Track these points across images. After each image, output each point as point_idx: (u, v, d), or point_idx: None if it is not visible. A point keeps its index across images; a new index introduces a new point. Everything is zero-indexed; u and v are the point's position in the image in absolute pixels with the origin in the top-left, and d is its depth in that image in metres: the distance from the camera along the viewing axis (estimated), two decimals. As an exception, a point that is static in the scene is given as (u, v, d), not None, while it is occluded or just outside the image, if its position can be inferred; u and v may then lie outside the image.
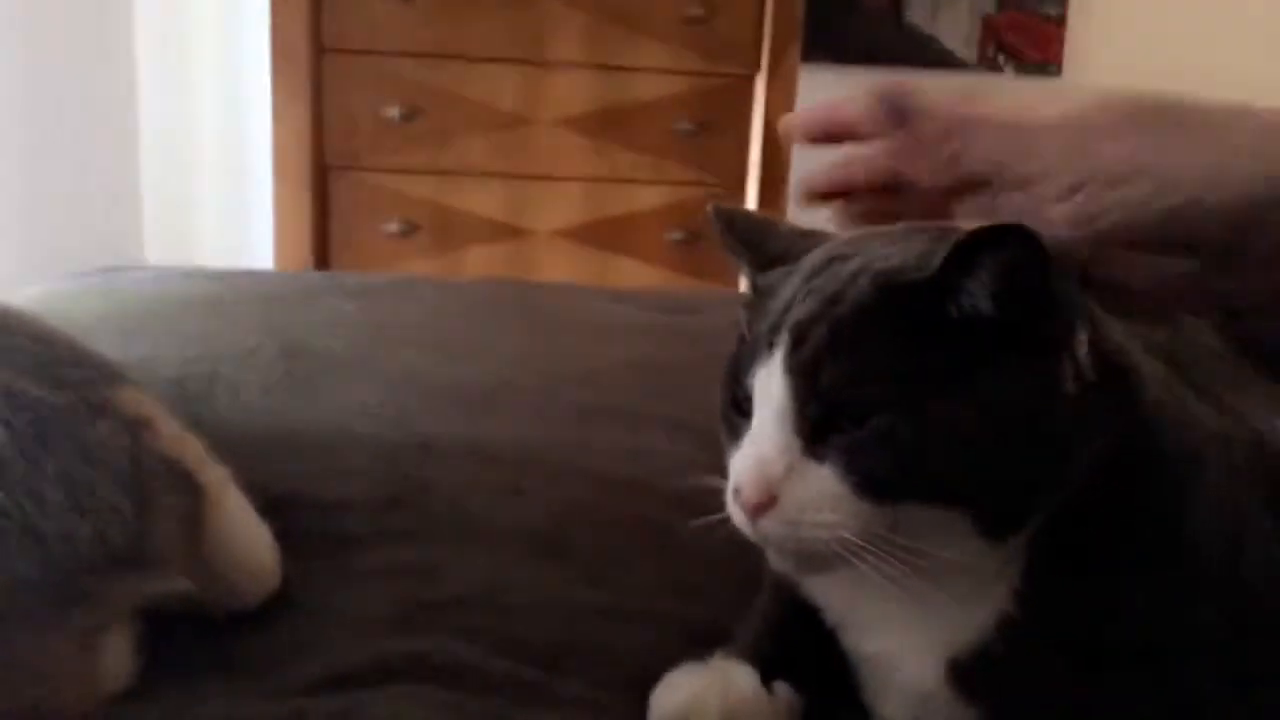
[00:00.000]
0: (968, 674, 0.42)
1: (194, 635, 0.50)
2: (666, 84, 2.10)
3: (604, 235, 2.13)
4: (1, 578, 0.41)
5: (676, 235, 2.13)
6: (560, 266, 2.12)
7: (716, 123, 2.12)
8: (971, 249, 0.39)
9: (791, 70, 2.10)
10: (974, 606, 0.42)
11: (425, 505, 0.66)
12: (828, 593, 0.48)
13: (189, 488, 0.51)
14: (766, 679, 0.47)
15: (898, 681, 0.45)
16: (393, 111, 2.00)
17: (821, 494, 0.40)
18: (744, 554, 0.56)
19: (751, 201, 2.12)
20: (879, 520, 0.39)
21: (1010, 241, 0.39)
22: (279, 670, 0.48)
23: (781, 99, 2.09)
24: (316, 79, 1.98)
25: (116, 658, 0.46)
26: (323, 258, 2.04)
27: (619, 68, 2.08)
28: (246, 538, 0.53)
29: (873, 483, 0.39)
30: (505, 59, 2.04)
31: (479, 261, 2.10)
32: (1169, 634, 0.41)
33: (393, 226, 2.05)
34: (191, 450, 0.53)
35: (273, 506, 0.58)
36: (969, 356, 0.39)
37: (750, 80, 2.12)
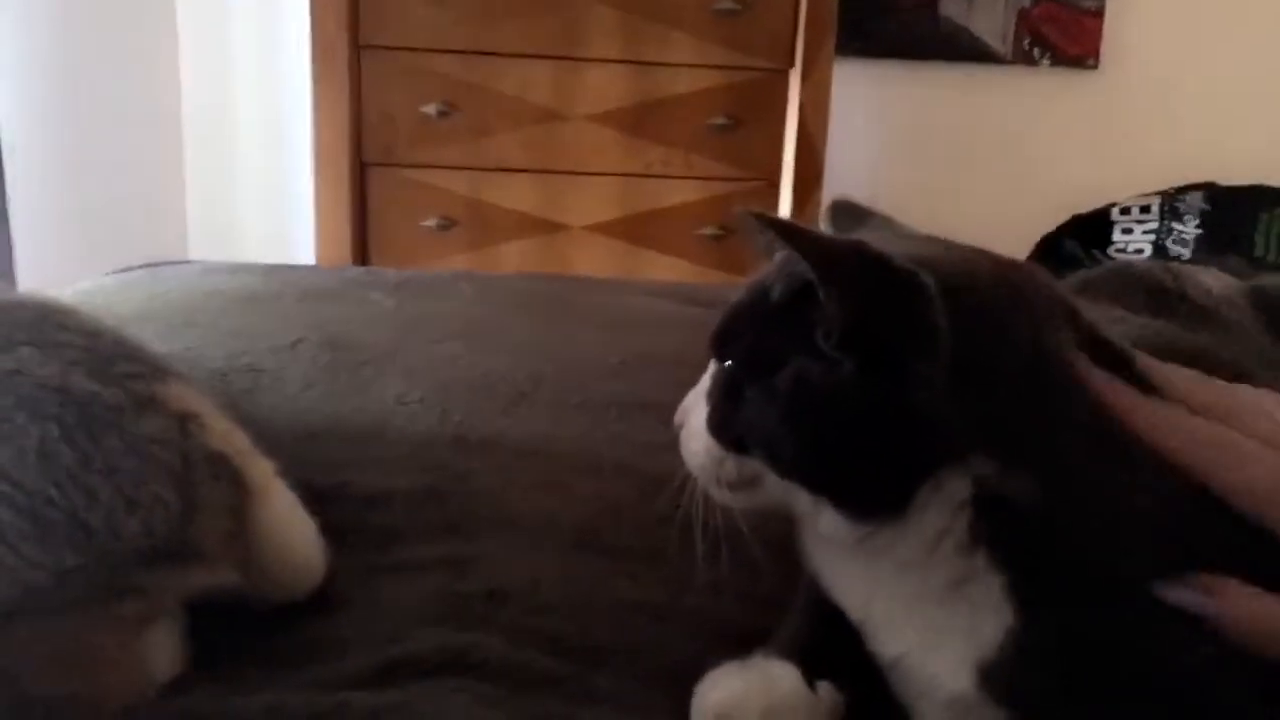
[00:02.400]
0: (995, 677, 0.42)
1: (239, 627, 0.51)
2: (700, 79, 2.10)
3: (637, 230, 2.14)
4: (50, 568, 0.42)
5: (708, 230, 2.13)
6: (594, 261, 2.13)
7: (750, 118, 2.11)
8: (824, 265, 0.42)
9: (826, 65, 2.09)
10: (986, 613, 0.42)
11: (463, 498, 0.66)
12: (844, 595, 0.48)
13: (236, 481, 0.51)
14: (809, 678, 0.47)
15: (926, 685, 0.45)
16: (430, 108, 2.02)
17: (698, 427, 0.48)
18: (781, 553, 0.56)
19: (785, 197, 2.12)
20: (727, 464, 0.47)
21: (852, 263, 0.42)
22: (322, 663, 0.49)
23: (815, 94, 2.08)
24: (355, 76, 2.00)
25: (162, 649, 0.47)
26: (362, 253, 2.07)
27: (652, 63, 2.08)
28: (292, 531, 0.54)
29: (711, 423, 0.47)
30: (539, 55, 2.05)
31: (514, 256, 2.11)
32: (1164, 637, 0.41)
33: (430, 222, 2.07)
34: (238, 444, 0.54)
35: (316, 499, 0.59)
36: (808, 348, 0.43)
37: (784, 75, 2.11)
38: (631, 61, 2.08)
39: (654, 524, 0.64)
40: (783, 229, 0.43)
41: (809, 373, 0.43)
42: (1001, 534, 0.41)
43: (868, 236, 0.52)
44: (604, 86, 2.08)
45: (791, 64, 2.10)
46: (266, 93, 2.34)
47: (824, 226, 0.56)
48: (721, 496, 0.48)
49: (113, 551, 0.44)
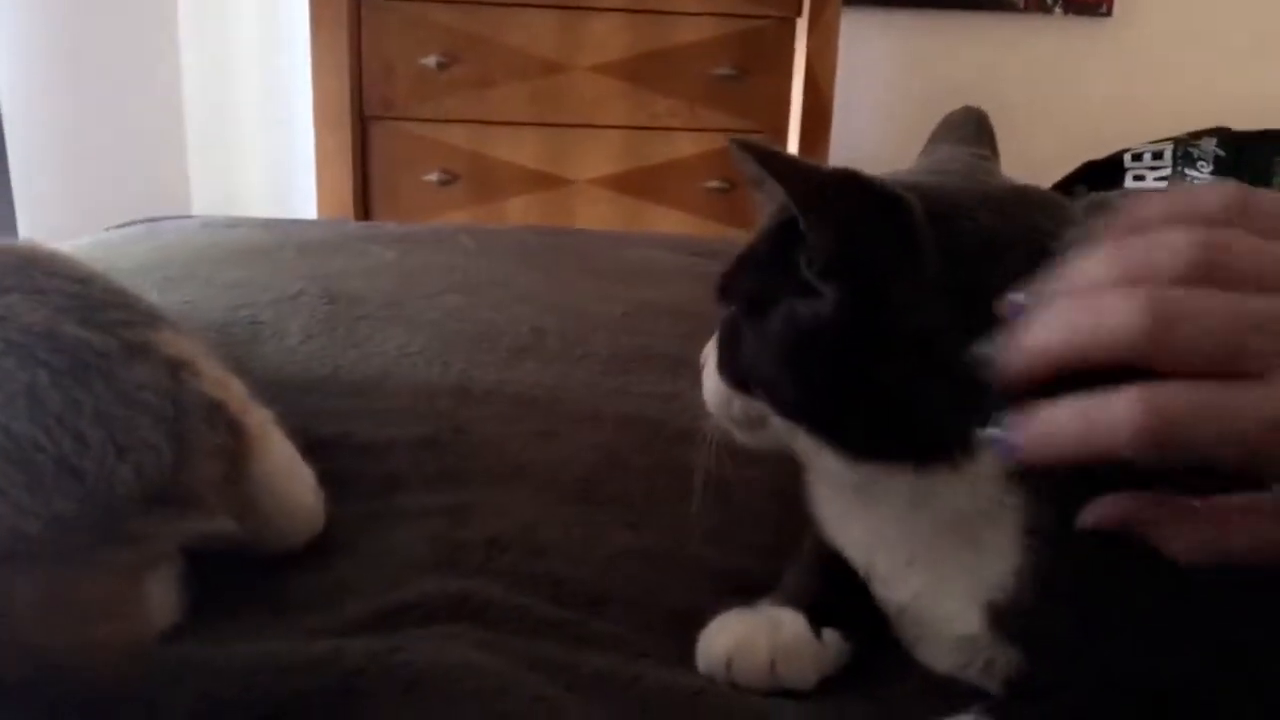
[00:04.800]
0: (1006, 616, 0.42)
1: (239, 574, 0.51)
2: (705, 28, 2.06)
3: (642, 183, 2.11)
4: (42, 515, 0.42)
5: (714, 184, 2.11)
6: (598, 215, 2.11)
7: (756, 68, 2.08)
8: (803, 191, 0.41)
9: (834, 13, 2.05)
10: (993, 555, 0.41)
11: (463, 448, 0.66)
12: (848, 541, 0.47)
13: (231, 429, 0.51)
14: (814, 625, 0.46)
15: (934, 628, 0.45)
16: (430, 60, 1.99)
17: (712, 368, 0.49)
18: (782, 501, 0.56)
19: (793, 149, 2.09)
20: (735, 403, 0.47)
21: (833, 188, 0.41)
22: (321, 610, 0.48)
23: (823, 43, 2.05)
24: (355, 28, 1.97)
25: (160, 595, 0.47)
26: (364, 208, 2.05)
27: (656, 11, 2.04)
28: (290, 479, 0.54)
29: (718, 365, 0.48)
30: (541, 4, 2.01)
31: (518, 210, 2.09)
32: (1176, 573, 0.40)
33: (432, 176, 2.05)
34: (234, 392, 0.54)
35: (315, 448, 0.58)
36: (796, 284, 0.42)
37: (791, 24, 2.07)
38: (635, 10, 2.04)
39: (655, 473, 0.63)
40: (763, 156, 0.42)
41: (796, 308, 0.43)
42: (1032, 476, 0.40)
43: (921, 161, 0.51)
44: (607, 36, 2.04)
45: (798, 12, 2.06)
46: (266, 46, 2.31)
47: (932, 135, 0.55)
48: (736, 435, 0.48)
49: (105, 498, 0.43)
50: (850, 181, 0.41)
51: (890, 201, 0.40)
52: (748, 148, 0.42)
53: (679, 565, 0.55)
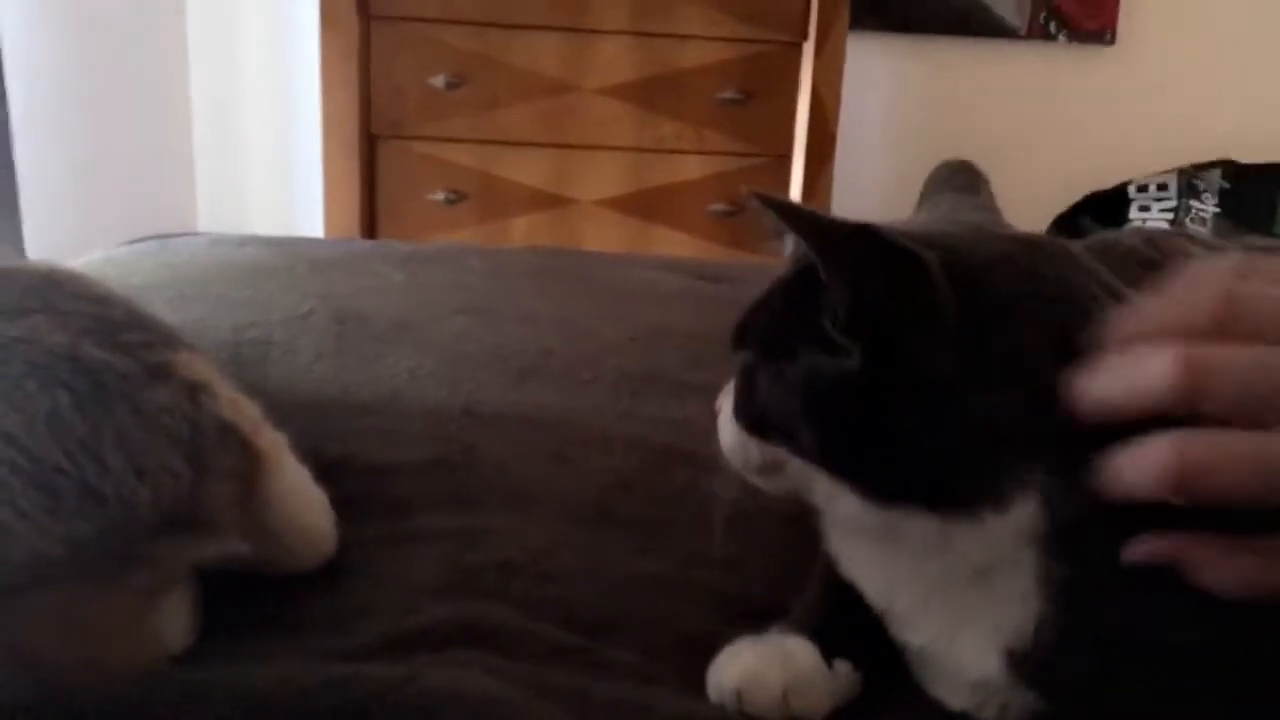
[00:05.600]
0: (1026, 663, 0.42)
1: (251, 596, 0.51)
2: (711, 51, 2.08)
3: (646, 205, 2.13)
4: (62, 538, 0.42)
5: (718, 207, 2.12)
6: (603, 236, 2.12)
7: (761, 92, 2.09)
8: (824, 246, 0.42)
9: (839, 39, 2.07)
10: (1012, 603, 0.41)
11: (472, 471, 0.66)
12: (865, 582, 0.48)
13: (246, 452, 0.51)
14: (825, 655, 0.47)
15: (950, 669, 0.45)
16: (438, 80, 2.01)
17: (728, 412, 0.49)
18: (790, 529, 0.56)
19: (797, 173, 2.10)
20: (752, 448, 0.47)
21: (853, 243, 0.41)
22: (334, 633, 0.49)
23: (829, 68, 2.06)
24: (364, 48, 1.99)
25: (175, 617, 0.47)
26: (371, 227, 2.06)
27: (663, 35, 2.06)
28: (303, 502, 0.54)
29: (735, 410, 0.48)
30: (549, 26, 2.03)
31: (524, 230, 2.10)
32: (1202, 621, 0.40)
33: (439, 195, 2.06)
34: (248, 415, 0.54)
35: (326, 470, 0.59)
36: (816, 334, 0.43)
37: (797, 48, 2.09)
38: (642, 33, 2.06)
39: (664, 498, 0.64)
40: (784, 210, 0.42)
41: (817, 359, 0.43)
42: (1056, 533, 0.40)
43: (925, 213, 0.52)
44: (614, 59, 2.06)
45: (804, 37, 2.08)
46: (275, 66, 2.33)
47: (926, 184, 0.56)
48: (752, 480, 0.48)
49: (124, 521, 0.44)
50: (868, 238, 0.41)
51: (908, 258, 0.40)
52: (768, 202, 0.42)
53: (690, 591, 0.55)
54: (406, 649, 0.47)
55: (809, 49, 2.07)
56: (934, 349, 0.40)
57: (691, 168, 2.12)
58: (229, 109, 2.32)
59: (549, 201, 2.11)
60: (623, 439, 0.71)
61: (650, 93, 2.07)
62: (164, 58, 2.26)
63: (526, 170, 2.09)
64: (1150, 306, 0.39)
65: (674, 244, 2.13)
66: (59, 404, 0.44)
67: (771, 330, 0.47)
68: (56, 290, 0.53)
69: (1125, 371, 0.38)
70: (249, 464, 0.51)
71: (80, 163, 1.97)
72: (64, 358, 0.46)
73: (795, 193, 2.11)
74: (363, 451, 0.68)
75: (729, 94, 2.08)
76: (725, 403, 0.51)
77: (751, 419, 0.47)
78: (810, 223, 0.42)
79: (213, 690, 0.43)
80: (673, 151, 2.11)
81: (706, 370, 0.86)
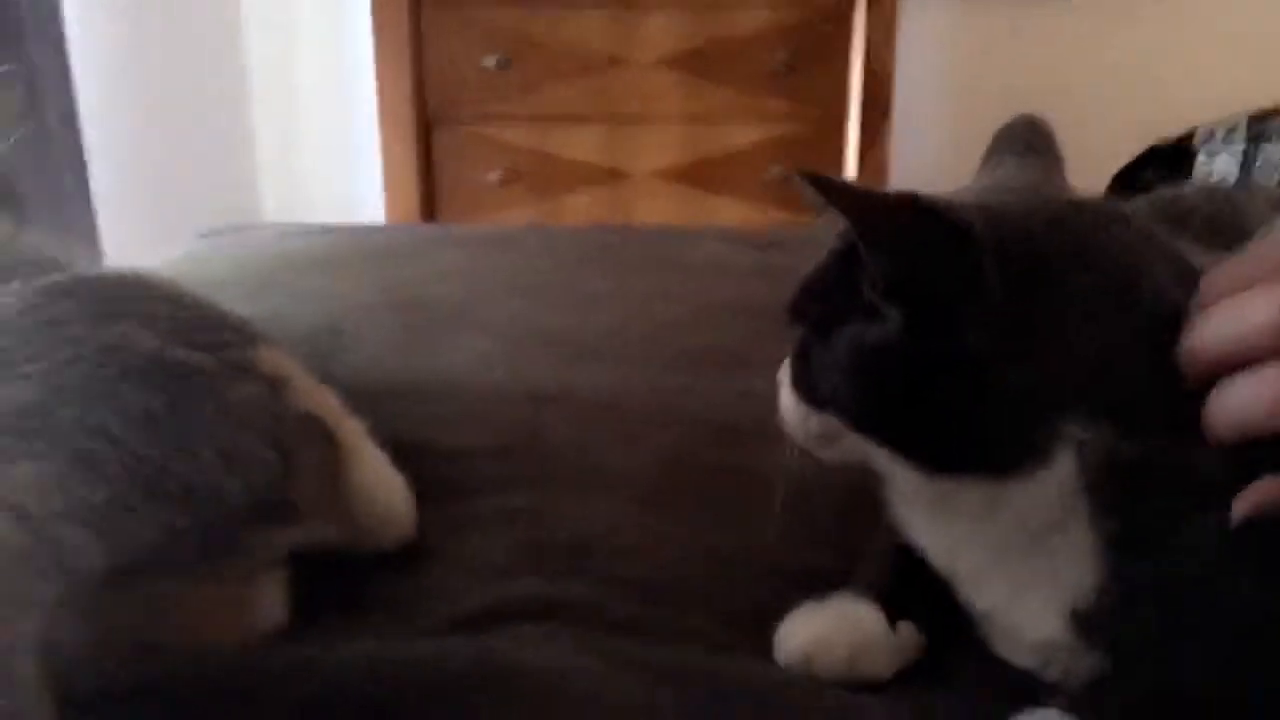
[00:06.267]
0: (1089, 623, 0.42)
1: (337, 578, 0.54)
2: (761, 17, 2.06)
3: (702, 175, 2.12)
4: (163, 529, 0.45)
5: (774, 173, 2.11)
6: (659, 208, 2.13)
7: (813, 56, 2.07)
8: (863, 221, 0.43)
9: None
10: (1073, 563, 0.42)
11: (540, 453, 0.68)
12: (927, 549, 0.48)
13: (328, 440, 0.54)
14: (890, 618, 0.48)
15: (1014, 630, 0.46)
16: (489, 60, 2.02)
17: (787, 388, 0.50)
18: (853, 501, 0.57)
19: (852, 137, 2.08)
20: (810, 419, 0.48)
21: (893, 216, 0.42)
22: (417, 613, 0.51)
23: (883, 27, 2.03)
24: (416, 33, 2.01)
25: (267, 601, 0.50)
26: (430, 208, 2.09)
27: (711, 3, 2.05)
28: (383, 487, 0.57)
29: (793, 381, 0.49)
30: (597, 3, 2.03)
31: (579, 206, 2.12)
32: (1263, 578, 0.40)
33: (494, 175, 2.08)
34: (328, 405, 0.57)
35: (399, 455, 0.61)
36: (861, 305, 0.44)
37: (849, 10, 2.06)
38: (689, 4, 2.05)
39: (729, 472, 0.65)
40: (824, 187, 0.43)
41: (861, 329, 0.44)
42: (1100, 487, 0.41)
43: (985, 177, 0.52)
44: (663, 30, 2.05)
45: (855, -2, 2.05)
46: (330, 52, 2.36)
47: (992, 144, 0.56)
48: (813, 450, 0.49)
49: (218, 511, 0.47)
50: (911, 209, 0.42)
51: (954, 228, 0.41)
52: (807, 178, 0.43)
53: (755, 562, 0.56)
54: (486, 626, 0.49)
55: (860, 9, 2.04)
56: (978, 319, 0.41)
57: (745, 135, 2.11)
58: (287, 99, 2.37)
59: (603, 176, 2.12)
60: (685, 415, 0.72)
61: (700, 62, 2.06)
62: (220, 50, 2.30)
63: (580, 146, 2.10)
64: (1243, 263, 0.41)
65: (731, 212, 2.13)
66: (153, 405, 0.47)
67: (822, 303, 0.48)
68: (144, 295, 0.56)
69: (1232, 320, 0.39)
70: (331, 452, 0.54)
71: (147, 158, 2.02)
72: (154, 361, 0.49)
73: (851, 157, 2.08)
74: (435, 437, 0.70)
75: (781, 59, 2.06)
76: (785, 375, 0.52)
77: (807, 390, 0.48)
78: (848, 196, 0.43)
79: (306, 667, 0.45)
80: (726, 120, 2.11)
81: (768, 344, 0.87)
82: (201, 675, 0.46)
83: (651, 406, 0.74)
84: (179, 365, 0.50)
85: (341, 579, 0.54)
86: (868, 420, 0.45)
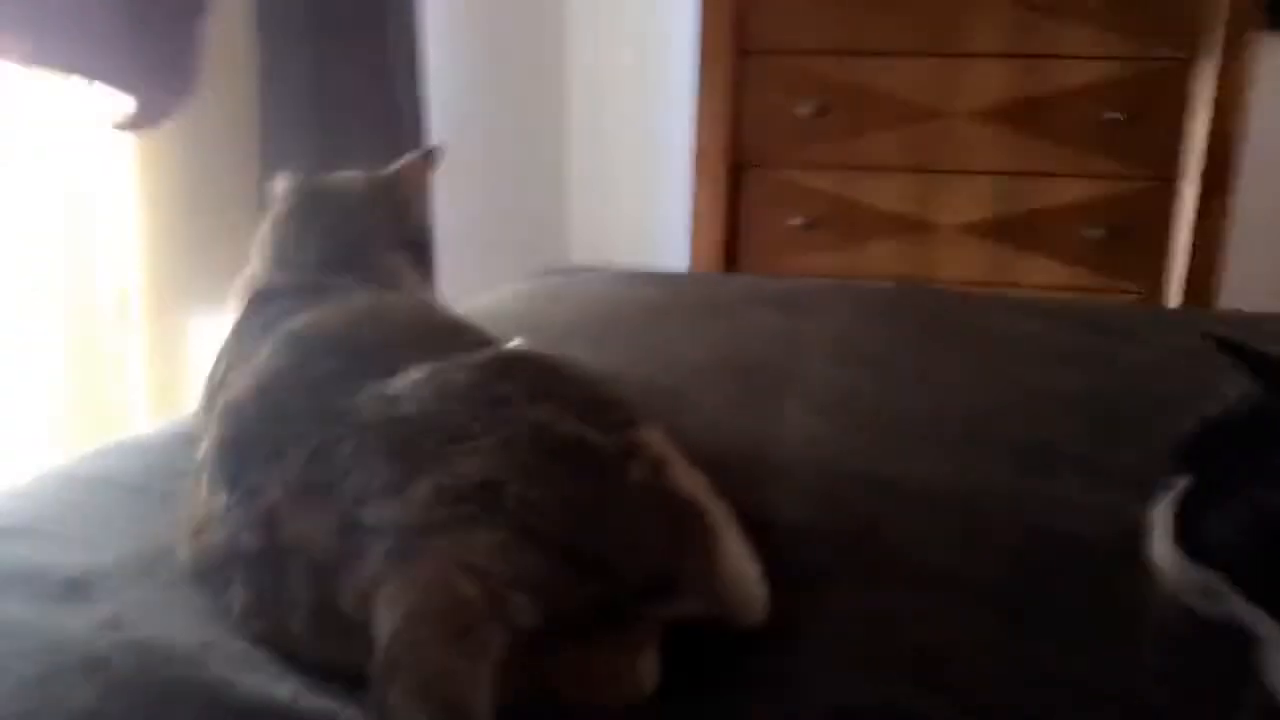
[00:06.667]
0: None
1: (698, 651, 0.58)
2: (1092, 70, 1.97)
3: (1013, 231, 2.06)
4: (577, 599, 0.52)
5: (1096, 232, 2.01)
6: (964, 262, 2.08)
7: (1147, 111, 1.95)
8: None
9: (1247, 51, 1.88)
10: None
11: (877, 544, 0.70)
12: None
13: (703, 523, 0.59)
14: None
15: None
16: (805, 108, 2.07)
17: (1163, 531, 0.51)
18: (1214, 640, 0.55)
19: (1188, 201, 1.94)
20: (1190, 572, 0.48)
21: None
22: (772, 699, 0.55)
23: (1232, 86, 1.88)
24: (738, 80, 2.09)
25: (649, 665, 0.55)
26: (731, 252, 2.16)
27: (1040, 55, 1.99)
28: (745, 569, 0.61)
29: (1177, 535, 0.49)
30: (920, 52, 2.03)
31: (880, 256, 2.11)
32: None
33: (798, 220, 2.12)
34: (701, 485, 0.62)
35: (743, 531, 0.65)
36: (1272, 475, 0.43)
37: (1187, 64, 1.93)
38: (1017, 55, 2.00)
39: (1079, 594, 0.64)
40: (1244, 355, 0.43)
41: (1271, 502, 0.43)
42: None
43: None
44: (987, 81, 2.01)
45: (1195, 51, 1.91)
46: (645, 96, 2.48)
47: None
48: (1188, 601, 0.49)
49: (621, 586, 0.53)
50: None
51: None
52: (1224, 346, 0.43)
53: (1109, 701, 0.55)
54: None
55: (1206, 63, 1.90)
56: None
57: (1066, 191, 2.02)
58: (601, 142, 2.51)
59: (908, 226, 2.10)
60: (1032, 524, 0.72)
61: (1024, 114, 2.00)
62: (543, 99, 2.48)
63: (887, 195, 2.10)
64: None
65: (1042, 272, 2.04)
66: (578, 487, 0.54)
67: (1221, 460, 0.47)
68: (558, 377, 0.64)
69: None
70: (705, 534, 0.59)
71: (475, 195, 2.21)
72: (575, 443, 0.56)
73: (1184, 222, 1.94)
74: (769, 512, 0.74)
75: (1111, 114, 1.96)
76: (1161, 519, 0.51)
77: (1193, 546, 0.48)
78: (1271, 369, 0.42)
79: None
80: (1045, 174, 2.03)
81: (1105, 447, 0.85)
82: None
83: (995, 510, 0.74)
84: (591, 448, 0.57)
85: (701, 652, 0.59)
86: (1268, 594, 0.44)
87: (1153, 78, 1.95)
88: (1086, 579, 0.65)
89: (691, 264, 2.16)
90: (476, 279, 1.47)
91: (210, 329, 1.45)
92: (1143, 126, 1.96)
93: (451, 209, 2.11)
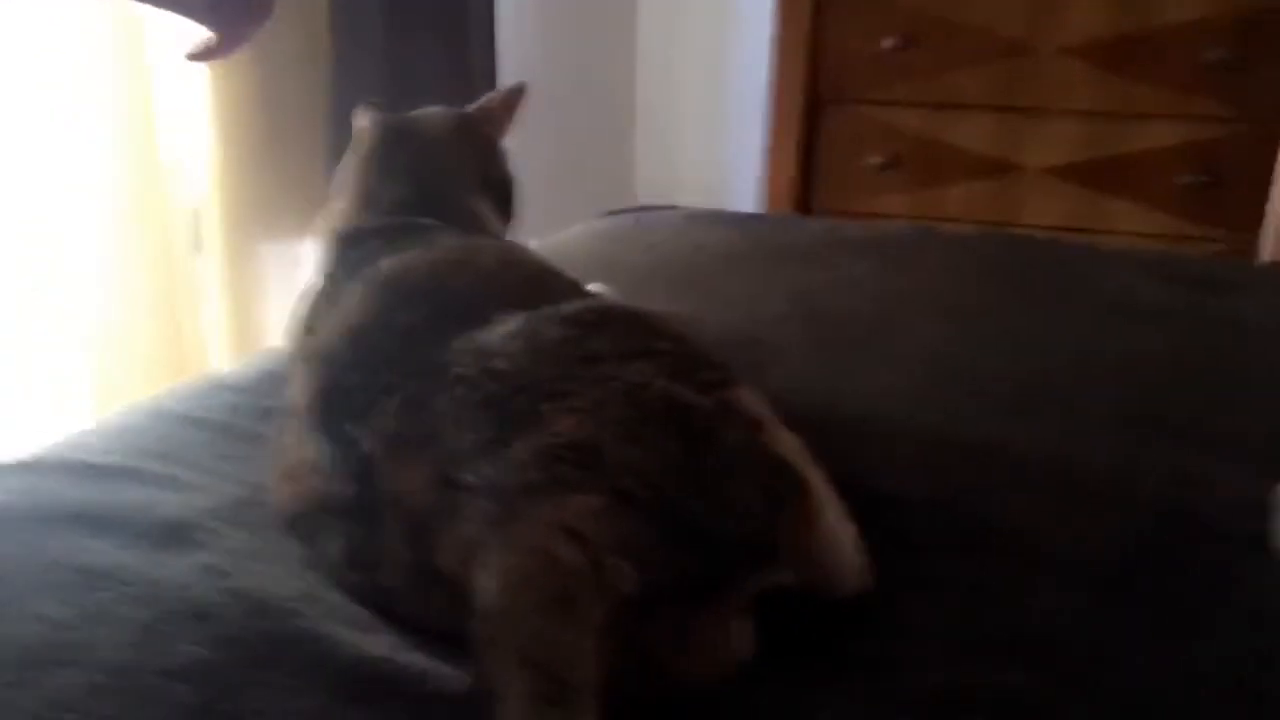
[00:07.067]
0: None
1: (791, 620, 0.57)
2: (1198, 6, 1.86)
3: (1102, 174, 1.97)
4: (678, 565, 0.50)
5: (1190, 178, 1.92)
6: (1048, 206, 2.01)
7: (1257, 53, 1.84)
8: None
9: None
10: None
11: (977, 515, 0.68)
12: None
13: (800, 488, 0.57)
14: None
15: None
16: (888, 42, 1.99)
17: None
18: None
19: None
20: None
21: None
22: (873, 677, 0.53)
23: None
24: (818, 12, 2.01)
25: (743, 635, 0.54)
26: (804, 191, 2.11)
27: (1143, -13, 1.88)
28: (842, 536, 0.59)
29: None
30: (1014, -17, 1.93)
31: (961, 198, 2.05)
32: None
33: (876, 160, 2.06)
34: (796, 449, 0.60)
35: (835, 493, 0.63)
36: None
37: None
38: (1119, -13, 1.89)
39: (1192, 575, 0.62)
40: None
41: None
42: None
43: None
44: (1084, 16, 1.91)
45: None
46: (718, 32, 2.40)
47: None
48: None
49: (720, 553, 0.51)
50: None
51: None
52: None
53: (1233, 695, 0.53)
54: (945, 709, 0.50)
55: (1327, -1, 1.79)
56: None
57: (1161, 134, 1.93)
58: (670, 77, 2.44)
59: (991, 168, 2.02)
60: (1134, 497, 0.69)
61: (1122, 52, 1.90)
62: (613, 22, 2.41)
63: (971, 135, 2.02)
64: None
65: (1131, 218, 1.96)
66: (672, 449, 0.52)
67: None
68: (647, 332, 0.62)
69: None
70: (803, 499, 0.57)
71: (543, 134, 2.17)
72: (670, 403, 0.55)
73: (1288, 169, 1.85)
74: (862, 477, 0.71)
75: (1216, 54, 1.85)
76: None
77: None
78: None
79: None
80: (1141, 116, 1.93)
81: (1220, 416, 0.81)
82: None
83: (1095, 478, 0.71)
84: (687, 408, 0.55)
85: (795, 621, 0.58)
86: None
87: (1264, 16, 1.83)
88: (1202, 561, 0.63)
89: (762, 203, 2.11)
90: (538, 218, 1.45)
91: (281, 256, 1.46)
92: (1249, 69, 1.85)
93: (516, 146, 2.09)
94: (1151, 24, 1.88)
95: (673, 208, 1.54)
